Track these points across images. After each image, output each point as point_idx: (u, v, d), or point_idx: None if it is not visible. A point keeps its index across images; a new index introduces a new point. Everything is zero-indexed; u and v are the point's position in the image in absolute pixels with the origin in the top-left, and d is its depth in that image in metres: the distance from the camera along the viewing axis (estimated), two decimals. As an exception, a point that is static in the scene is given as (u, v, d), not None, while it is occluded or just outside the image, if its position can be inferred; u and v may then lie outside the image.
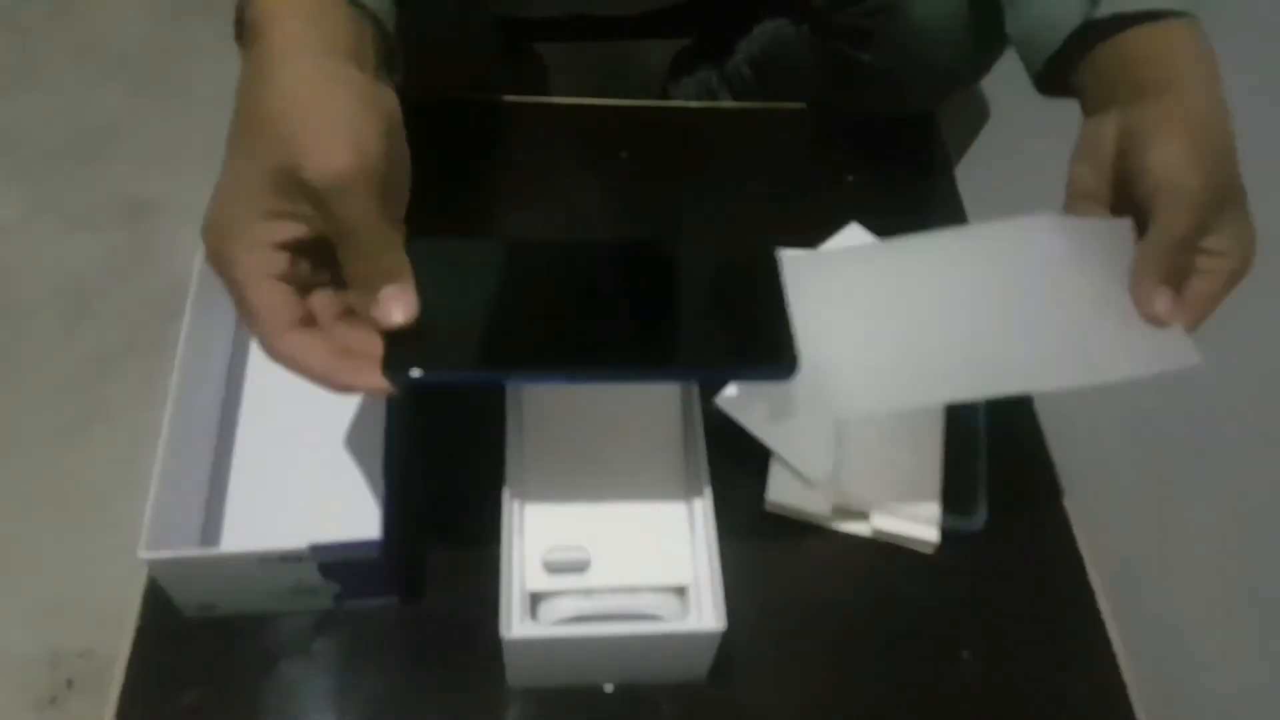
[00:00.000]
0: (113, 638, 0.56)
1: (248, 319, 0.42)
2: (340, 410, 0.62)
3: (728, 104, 0.93)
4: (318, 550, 0.50)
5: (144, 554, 0.48)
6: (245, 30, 0.43)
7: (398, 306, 0.41)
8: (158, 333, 1.24)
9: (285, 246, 0.41)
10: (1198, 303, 0.46)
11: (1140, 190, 0.45)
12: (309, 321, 0.42)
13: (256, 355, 0.65)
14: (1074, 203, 0.51)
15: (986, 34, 0.68)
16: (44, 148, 1.45)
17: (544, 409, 0.57)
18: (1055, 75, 0.54)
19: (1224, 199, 0.45)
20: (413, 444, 0.62)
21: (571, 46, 1.02)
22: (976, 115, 0.85)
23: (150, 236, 1.37)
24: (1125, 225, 0.48)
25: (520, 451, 0.56)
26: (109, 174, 1.42)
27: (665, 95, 1.03)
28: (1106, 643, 0.60)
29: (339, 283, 0.43)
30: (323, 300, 0.43)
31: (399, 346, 0.42)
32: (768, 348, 0.44)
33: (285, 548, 0.49)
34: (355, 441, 0.59)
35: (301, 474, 0.60)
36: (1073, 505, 0.65)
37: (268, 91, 0.40)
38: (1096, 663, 0.59)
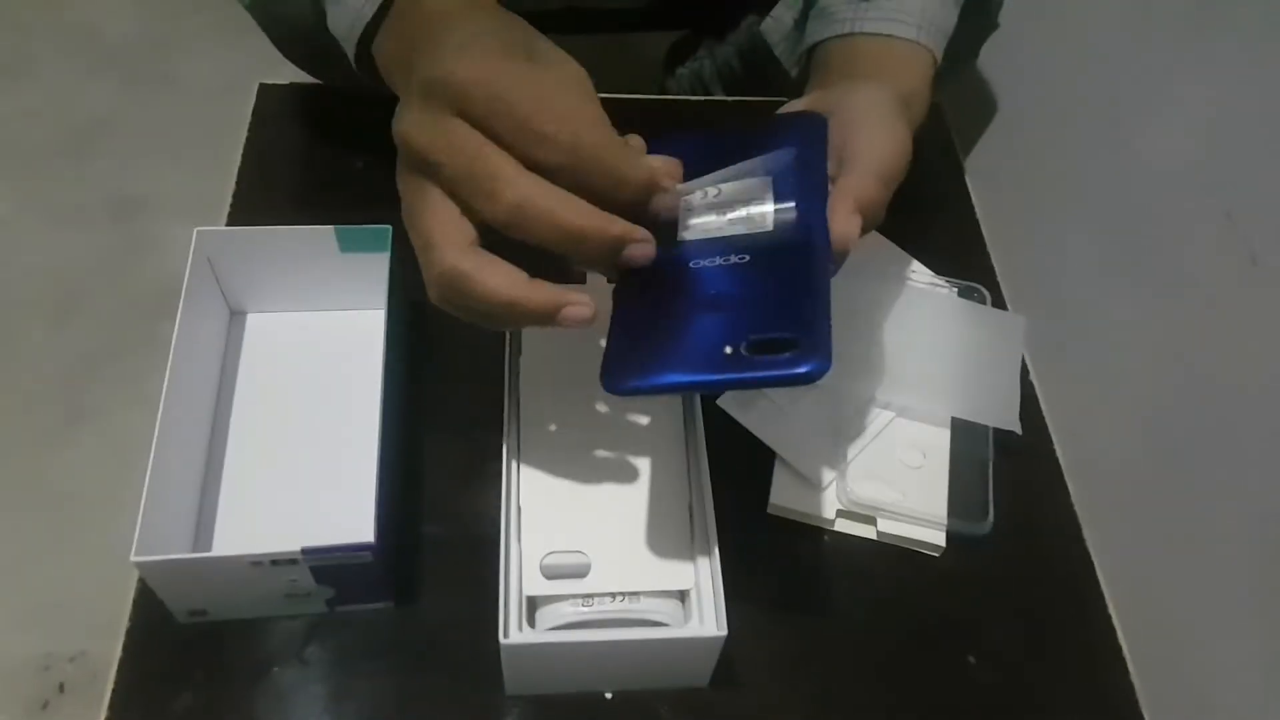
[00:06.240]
0: (105, 642, 0.56)
1: (477, 171, 0.41)
2: (334, 412, 0.62)
3: (720, 98, 0.93)
4: (310, 553, 0.49)
5: (135, 558, 0.48)
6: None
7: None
8: (147, 332, 1.23)
9: None
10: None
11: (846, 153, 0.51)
12: None
13: (249, 357, 0.64)
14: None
15: (969, 18, 0.68)
16: (33, 143, 1.44)
17: (542, 411, 0.56)
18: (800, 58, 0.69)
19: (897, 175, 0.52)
20: (408, 446, 0.62)
21: (567, 39, 1.01)
22: (985, 108, 0.85)
23: (139, 234, 1.36)
24: (1020, 320, 0.68)
25: (518, 454, 0.55)
26: (99, 170, 1.41)
27: (663, 88, 1.03)
28: (1116, 648, 0.59)
29: None
30: None
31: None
32: None
33: (277, 551, 0.49)
34: (349, 444, 0.59)
35: (295, 477, 0.59)
36: (1082, 508, 0.64)
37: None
38: (1105, 668, 0.59)
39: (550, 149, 0.40)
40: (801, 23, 0.70)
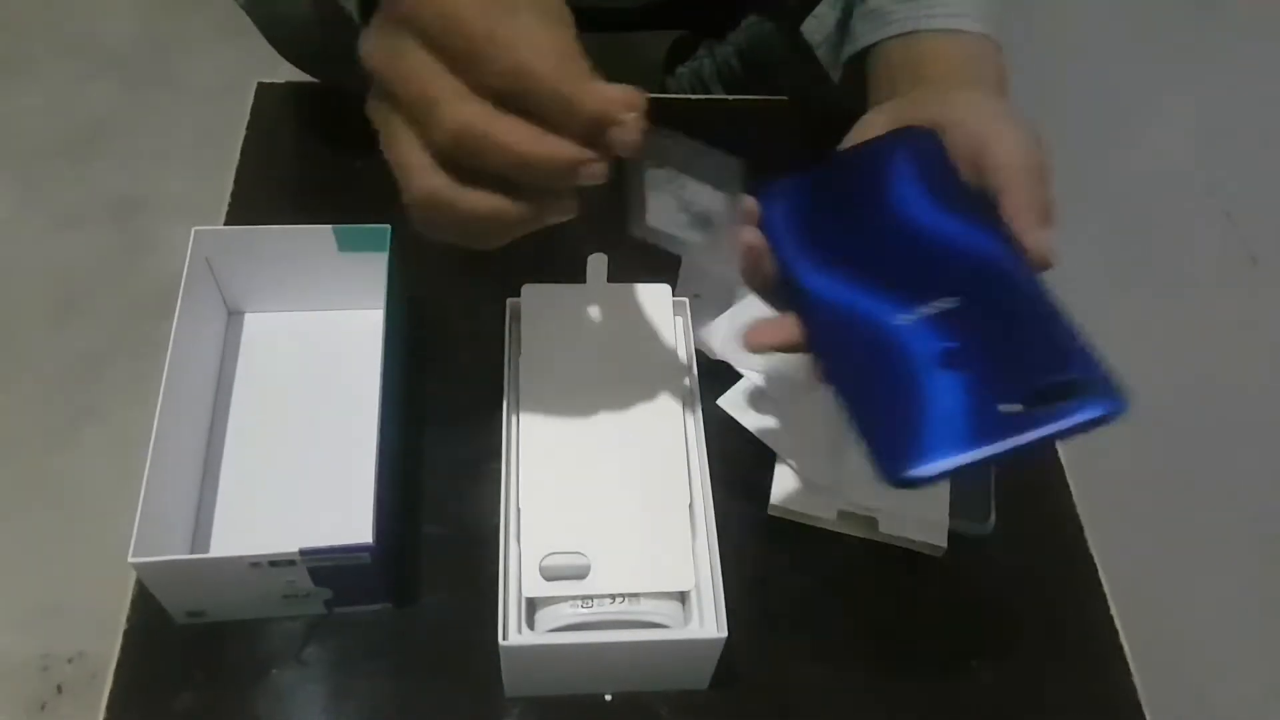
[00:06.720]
0: (103, 642, 0.56)
1: (424, 96, 0.39)
2: (332, 413, 0.62)
3: (719, 97, 0.93)
4: (308, 554, 0.49)
5: (133, 559, 0.48)
6: None
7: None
8: (147, 332, 1.23)
9: None
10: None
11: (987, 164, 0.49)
12: None
13: (247, 357, 0.64)
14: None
15: None
16: (33, 144, 1.44)
17: (542, 411, 0.56)
18: (851, 61, 0.64)
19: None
20: (407, 446, 0.62)
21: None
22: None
23: (139, 234, 1.36)
24: None
25: (518, 454, 0.54)
26: (99, 171, 1.41)
27: (663, 87, 1.03)
28: (1119, 649, 0.59)
29: None
30: None
31: None
32: None
33: (275, 552, 0.49)
34: (347, 444, 0.58)
35: (293, 477, 0.59)
36: (1084, 509, 0.64)
37: None
38: (1108, 670, 0.58)
39: (496, 73, 0.38)
40: (844, 23, 0.67)
